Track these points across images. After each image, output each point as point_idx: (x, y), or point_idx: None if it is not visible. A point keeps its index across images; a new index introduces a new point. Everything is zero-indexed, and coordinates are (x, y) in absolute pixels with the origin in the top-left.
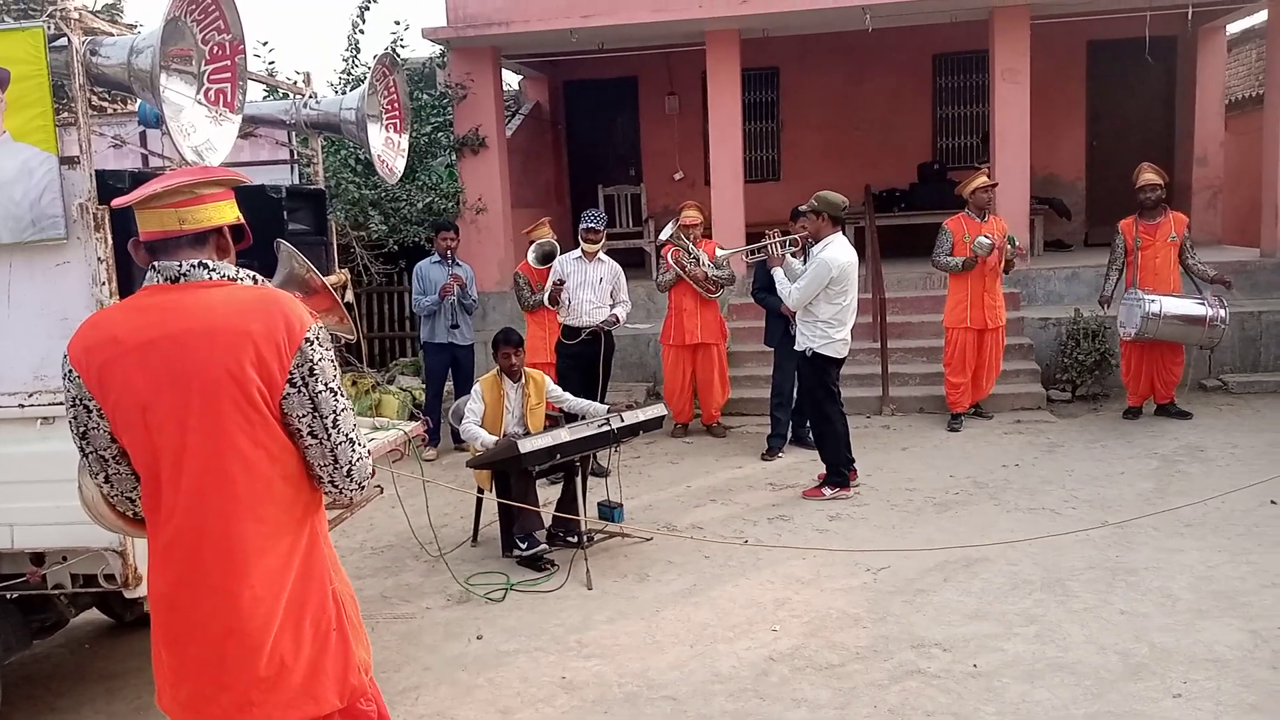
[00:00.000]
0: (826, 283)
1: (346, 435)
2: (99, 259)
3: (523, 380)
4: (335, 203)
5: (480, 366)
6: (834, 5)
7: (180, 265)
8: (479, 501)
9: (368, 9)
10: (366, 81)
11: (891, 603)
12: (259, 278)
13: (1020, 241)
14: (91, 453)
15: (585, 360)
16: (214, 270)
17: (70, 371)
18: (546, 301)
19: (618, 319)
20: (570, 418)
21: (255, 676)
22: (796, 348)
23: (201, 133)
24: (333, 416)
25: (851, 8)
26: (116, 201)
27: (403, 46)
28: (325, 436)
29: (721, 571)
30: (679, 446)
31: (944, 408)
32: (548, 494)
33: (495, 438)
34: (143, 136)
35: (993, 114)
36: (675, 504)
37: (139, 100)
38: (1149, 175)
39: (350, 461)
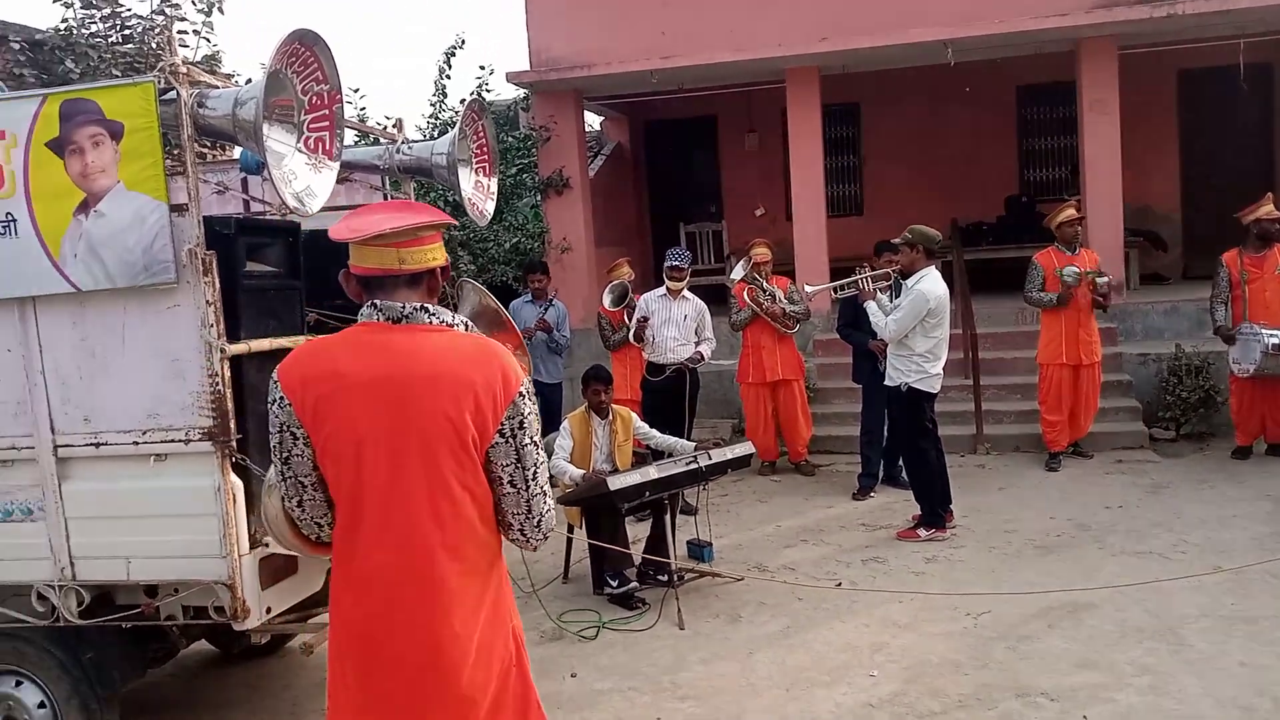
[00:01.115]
0: (923, 315)
1: (542, 487)
2: (207, 301)
3: (610, 417)
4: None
5: (568, 404)
6: (915, 40)
7: (404, 307)
8: (569, 539)
9: (454, 55)
10: (457, 127)
11: (994, 649)
12: (470, 324)
13: (1113, 276)
14: (291, 477)
15: (670, 397)
16: (434, 315)
17: (281, 399)
18: (631, 338)
19: (702, 356)
20: (657, 455)
21: (446, 711)
22: (888, 383)
23: (302, 179)
24: (534, 469)
25: (933, 43)
26: (339, 236)
27: (488, 91)
28: (524, 487)
29: (815, 614)
30: (767, 485)
31: (1041, 446)
32: (635, 531)
33: (583, 471)
34: (244, 183)
35: (1081, 146)
36: (765, 544)
37: (240, 148)
38: (1269, 207)
39: (541, 512)
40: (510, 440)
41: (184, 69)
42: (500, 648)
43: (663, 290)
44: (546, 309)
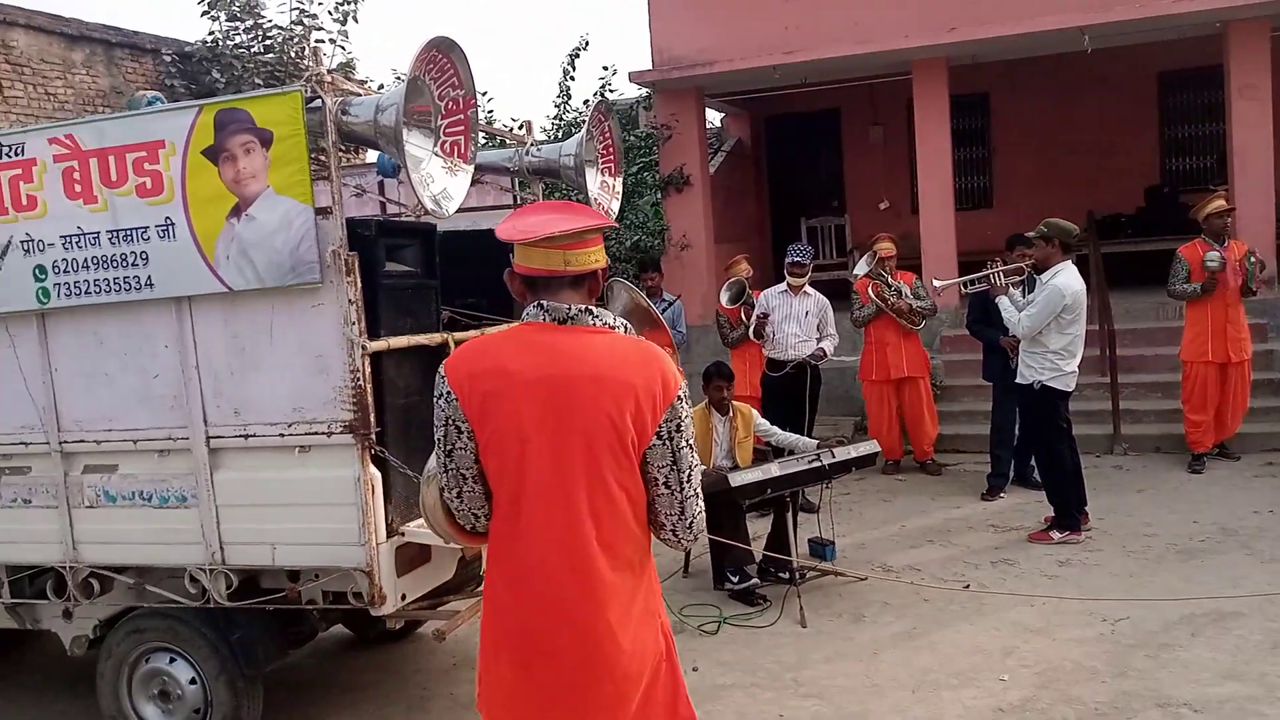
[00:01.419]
0: (1059, 311)
1: (695, 489)
2: (350, 300)
3: (731, 414)
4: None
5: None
6: (1049, 28)
7: (569, 309)
8: None
9: (578, 56)
10: (584, 128)
11: (1133, 657)
12: (628, 325)
13: (1266, 265)
14: (453, 469)
15: (790, 394)
16: (597, 317)
17: (448, 393)
18: (751, 335)
19: (824, 352)
20: (778, 452)
21: (599, 703)
22: (1020, 381)
23: (439, 182)
24: (688, 471)
25: (1069, 29)
26: (507, 236)
27: (611, 91)
28: (678, 488)
29: (942, 615)
30: (891, 484)
31: (1183, 447)
32: (755, 528)
33: (703, 467)
34: (380, 185)
35: (1229, 133)
36: (889, 544)
37: (377, 152)
38: (1220, 202)
39: (694, 514)
40: (667, 443)
41: (329, 78)
42: (651, 643)
43: (783, 286)
44: (664, 307)
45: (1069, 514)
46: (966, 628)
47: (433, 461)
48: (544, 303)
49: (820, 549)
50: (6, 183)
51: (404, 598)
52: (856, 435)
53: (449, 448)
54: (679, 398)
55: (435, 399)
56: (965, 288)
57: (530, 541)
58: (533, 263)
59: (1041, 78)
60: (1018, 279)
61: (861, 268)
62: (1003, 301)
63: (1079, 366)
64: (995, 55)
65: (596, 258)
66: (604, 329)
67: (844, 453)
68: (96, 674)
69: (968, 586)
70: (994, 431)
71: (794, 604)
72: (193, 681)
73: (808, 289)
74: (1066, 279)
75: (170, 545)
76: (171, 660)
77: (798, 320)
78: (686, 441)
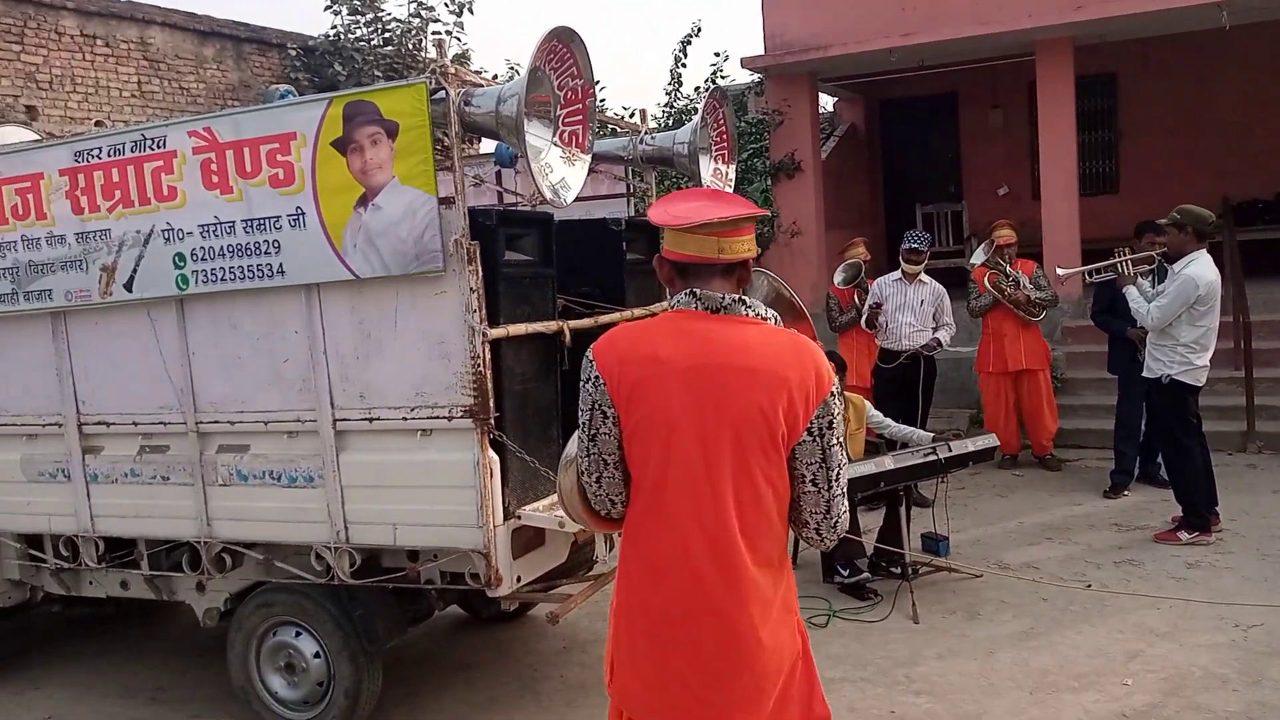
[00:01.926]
0: (1191, 302)
1: (842, 489)
2: (471, 288)
3: (843, 405)
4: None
5: None
6: (1184, 4)
7: (723, 298)
8: None
9: (690, 44)
10: (698, 115)
11: (1268, 665)
12: (778, 317)
13: None
14: (595, 454)
15: (903, 385)
16: (750, 308)
17: (597, 378)
18: (863, 324)
19: (939, 342)
20: (891, 445)
21: (736, 696)
22: (1148, 374)
23: (557, 172)
24: (837, 469)
25: (1205, 5)
26: (661, 220)
27: (722, 77)
28: (826, 486)
29: (1062, 616)
30: (1007, 479)
31: None
32: (866, 521)
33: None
34: (498, 175)
35: None
36: (1005, 540)
37: (494, 142)
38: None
39: (839, 514)
40: (818, 439)
41: (452, 69)
42: (789, 640)
43: (898, 274)
44: None
45: (1198, 514)
46: (1088, 629)
47: (572, 445)
48: (697, 290)
49: (934, 544)
50: (149, 174)
51: (519, 580)
52: (971, 429)
53: (593, 432)
54: (832, 394)
55: (582, 383)
56: (1089, 276)
57: (672, 530)
58: (686, 249)
59: (1174, 56)
60: (1147, 268)
61: (979, 255)
62: (1130, 291)
63: (1210, 360)
64: (1124, 34)
65: (749, 246)
66: (757, 320)
67: (960, 446)
68: (227, 645)
69: (1089, 586)
70: (1118, 427)
71: (906, 599)
72: (317, 655)
73: (923, 277)
74: (1200, 268)
75: (297, 523)
76: (297, 634)
77: (912, 309)
78: (837, 439)
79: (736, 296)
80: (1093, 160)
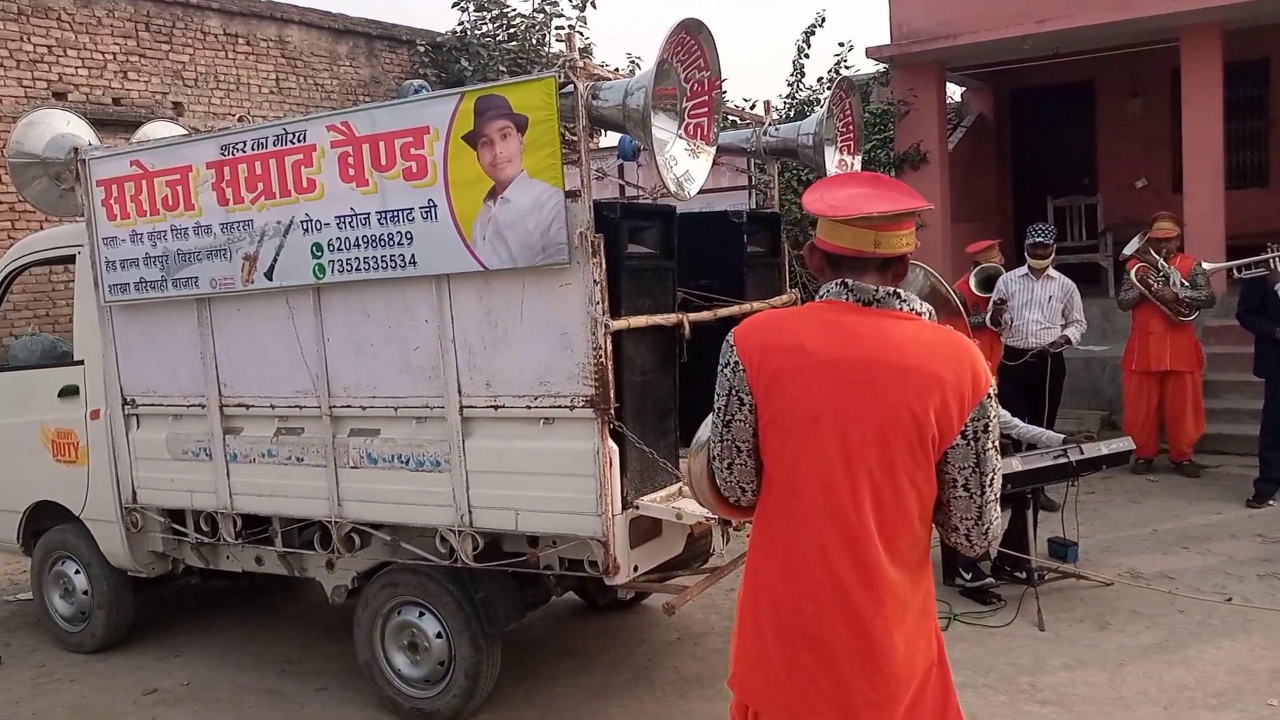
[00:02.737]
0: None
1: (996, 494)
2: (594, 280)
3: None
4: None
5: None
6: None
7: (877, 290)
8: None
9: (813, 34)
10: (824, 105)
11: None
12: (934, 312)
13: None
14: (728, 440)
15: (1029, 384)
16: (905, 302)
17: (736, 363)
18: (988, 322)
19: (1068, 340)
20: (1018, 446)
21: (868, 699)
22: None
23: (682, 165)
24: (990, 475)
25: None
26: (817, 210)
27: (847, 67)
28: (978, 492)
29: (1200, 630)
30: (1141, 484)
31: None
32: None
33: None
34: (620, 168)
35: None
36: (1138, 548)
37: (617, 135)
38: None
39: (991, 520)
40: (972, 443)
41: (581, 63)
42: (924, 646)
43: (1024, 269)
44: None
45: None
46: (1228, 644)
47: (704, 430)
48: (849, 281)
49: (1061, 549)
50: (290, 167)
51: (636, 569)
52: (1103, 431)
53: (728, 418)
54: (989, 396)
55: (720, 368)
56: (1236, 273)
57: (808, 526)
58: (840, 240)
59: None
60: None
61: (1133, 246)
62: None
63: None
64: (1276, 16)
65: (908, 241)
66: (911, 315)
67: (1093, 449)
68: (353, 622)
69: (1230, 599)
70: (1265, 433)
71: (1031, 605)
72: (439, 635)
73: (1051, 272)
74: None
75: (423, 506)
76: (421, 614)
77: (1039, 306)
78: (993, 443)
79: (891, 290)
80: (1240, 151)
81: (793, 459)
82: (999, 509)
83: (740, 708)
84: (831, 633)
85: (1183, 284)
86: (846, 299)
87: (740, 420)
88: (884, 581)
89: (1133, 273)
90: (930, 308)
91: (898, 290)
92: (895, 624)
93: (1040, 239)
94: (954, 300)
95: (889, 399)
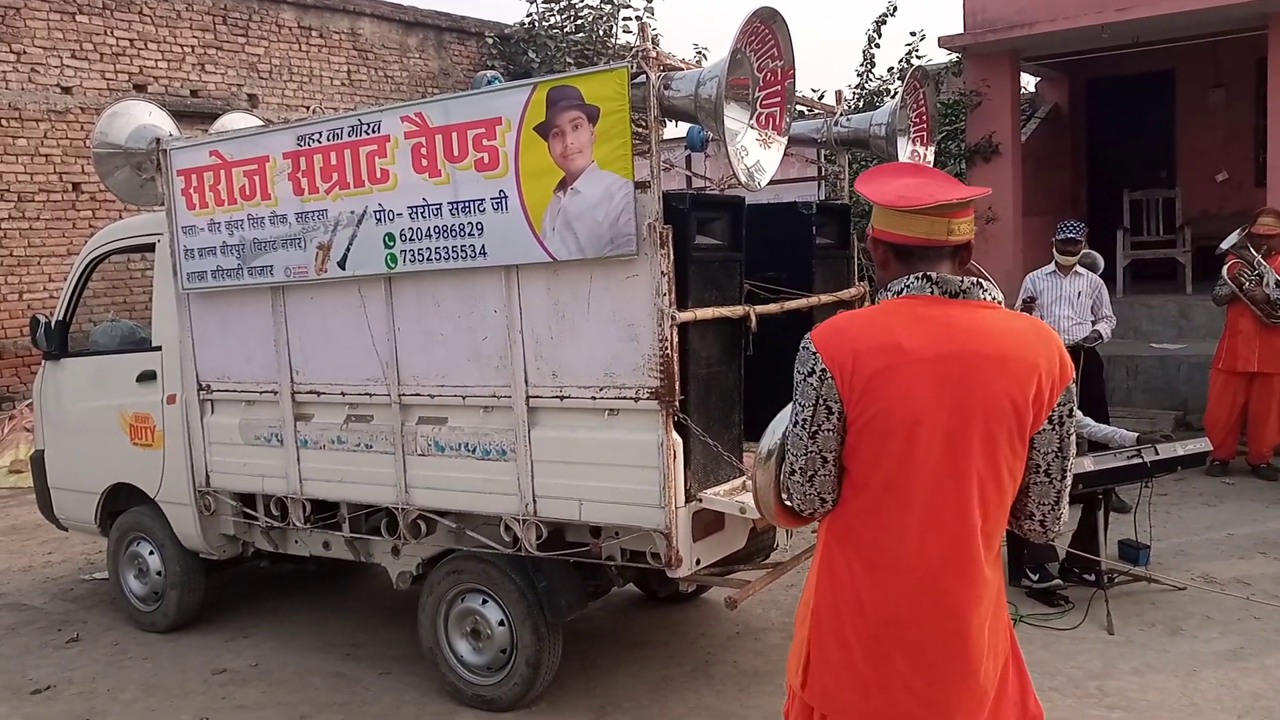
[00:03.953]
0: None
1: (1070, 480)
2: (662, 272)
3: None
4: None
5: None
6: None
7: (961, 281)
8: None
9: (884, 23)
10: (898, 95)
11: None
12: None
13: None
14: (814, 451)
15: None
16: (987, 291)
17: (824, 371)
18: None
19: (1100, 335)
20: (1091, 445)
21: (964, 699)
22: None
23: (753, 155)
24: (1070, 460)
25: None
26: (885, 200)
27: (918, 56)
28: (1059, 477)
29: (1276, 638)
30: (1216, 487)
31: None
32: None
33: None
34: (687, 159)
35: None
36: (1212, 552)
37: (686, 125)
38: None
39: (1066, 505)
40: (1058, 428)
41: (654, 53)
42: (1003, 638)
43: (1051, 267)
44: None
45: None
46: None
47: (771, 440)
48: (932, 274)
49: (1133, 552)
50: (364, 157)
51: (698, 562)
52: (1177, 431)
53: (814, 430)
54: (1074, 380)
55: (803, 376)
56: None
57: (905, 529)
58: (913, 230)
59: None
60: None
61: (1229, 241)
62: None
63: None
64: None
65: (972, 227)
66: (995, 304)
67: (1169, 450)
68: (418, 608)
69: None
70: None
71: (1100, 608)
72: (501, 623)
73: (1079, 269)
74: None
75: (489, 495)
76: (484, 602)
77: (1069, 302)
78: (1076, 428)
79: (974, 280)
80: None
81: (893, 461)
82: (1069, 495)
83: (806, 711)
84: (929, 635)
85: (1278, 283)
86: (932, 292)
87: (829, 429)
88: (982, 581)
89: (1226, 269)
90: (1000, 295)
91: (979, 280)
92: (985, 622)
93: (1072, 235)
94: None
95: (991, 391)
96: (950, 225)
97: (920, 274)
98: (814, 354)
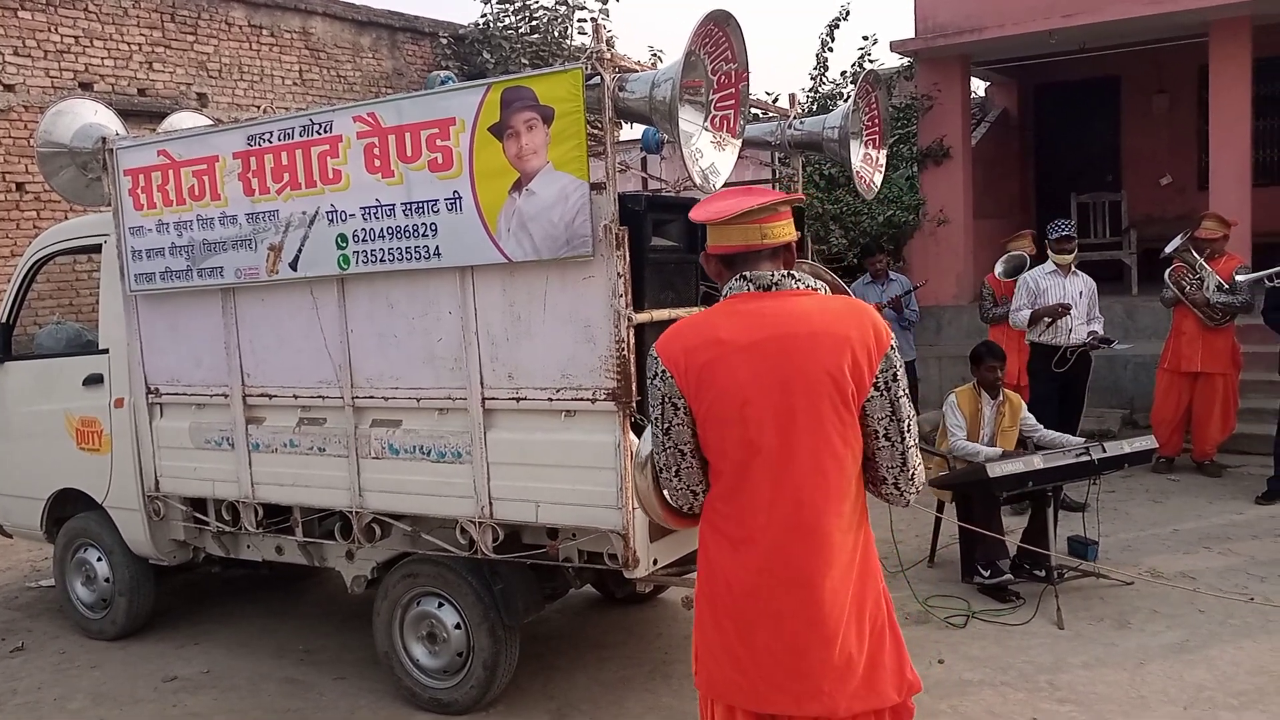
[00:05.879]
0: None
1: (915, 440)
2: (618, 273)
3: (1000, 398)
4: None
5: (929, 382)
6: None
7: (772, 274)
8: (937, 520)
9: (837, 28)
10: (850, 99)
11: None
12: (827, 287)
13: None
14: (671, 447)
15: (1066, 383)
16: (798, 281)
17: (663, 371)
18: (1011, 321)
19: (1110, 339)
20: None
21: (828, 667)
22: None
23: (707, 157)
24: (908, 421)
25: None
26: (703, 218)
27: (871, 61)
28: (899, 439)
29: (1220, 629)
30: (1162, 483)
31: None
32: (1010, 522)
33: (998, 450)
34: (643, 161)
35: None
36: (1159, 547)
37: (640, 127)
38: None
39: (915, 466)
40: (884, 392)
41: (609, 55)
42: (871, 606)
43: (1050, 266)
44: (900, 289)
45: None
46: (1249, 644)
47: (644, 446)
48: (746, 274)
49: (1081, 548)
50: (316, 158)
51: (655, 562)
52: (1123, 430)
53: (666, 426)
54: (892, 347)
55: (650, 380)
56: (1270, 281)
57: (755, 502)
58: (730, 240)
59: None
60: None
61: (1173, 245)
62: None
63: None
64: None
65: (789, 230)
66: (808, 290)
67: (1116, 447)
68: (373, 612)
69: (1252, 599)
70: None
71: (1050, 603)
72: (458, 626)
73: (1074, 269)
74: None
75: (444, 497)
76: (440, 605)
77: (1073, 301)
78: (903, 391)
79: (785, 272)
80: (1267, 148)
81: (733, 444)
82: (919, 455)
83: (705, 704)
84: (790, 610)
85: (1220, 287)
86: (748, 289)
87: (679, 424)
88: (831, 546)
89: (1168, 273)
90: (823, 284)
91: (790, 272)
92: (843, 588)
93: (1066, 233)
94: (841, 285)
95: (806, 365)
96: (763, 230)
97: (738, 275)
98: (655, 358)
